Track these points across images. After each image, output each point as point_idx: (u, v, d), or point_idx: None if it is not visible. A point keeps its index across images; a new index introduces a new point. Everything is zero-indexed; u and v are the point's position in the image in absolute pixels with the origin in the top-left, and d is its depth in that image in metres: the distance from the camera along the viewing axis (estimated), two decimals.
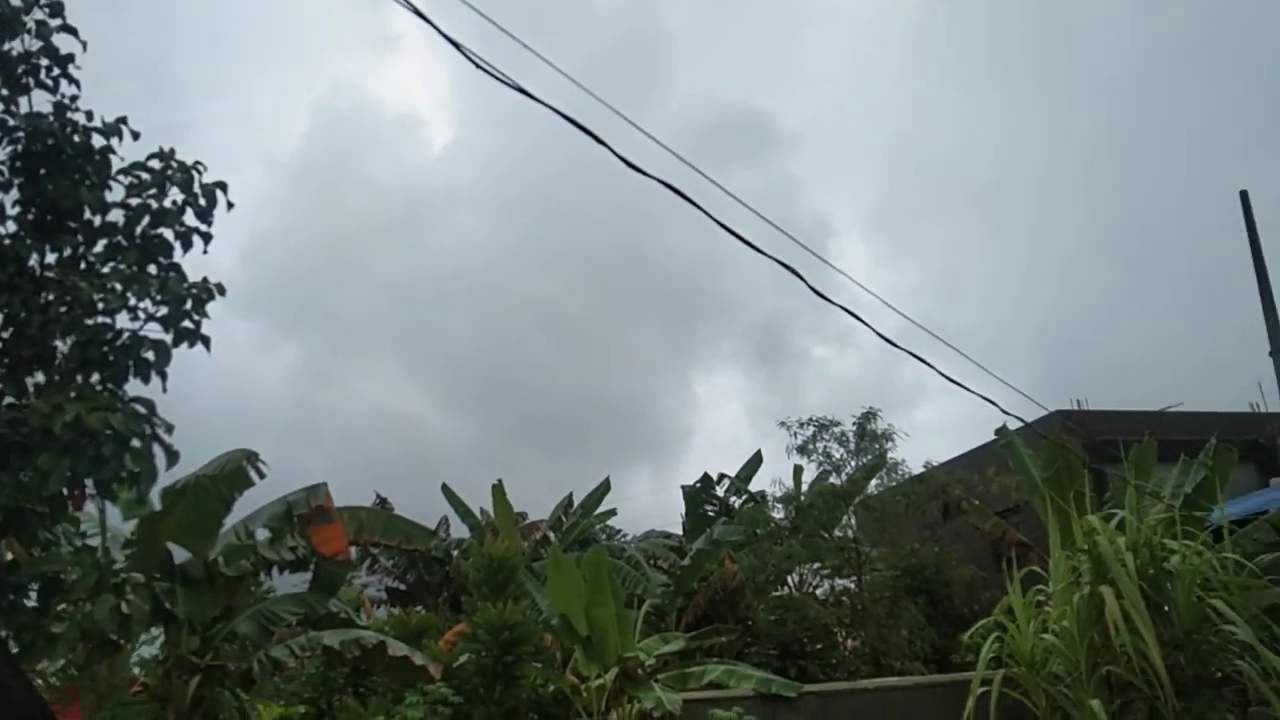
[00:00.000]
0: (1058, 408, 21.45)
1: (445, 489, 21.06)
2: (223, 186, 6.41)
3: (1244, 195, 15.71)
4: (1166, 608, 10.72)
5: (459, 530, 21.91)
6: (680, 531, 20.50)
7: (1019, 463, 15.44)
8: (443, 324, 52.21)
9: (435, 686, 11.50)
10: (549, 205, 49.53)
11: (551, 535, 21.39)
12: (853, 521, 17.81)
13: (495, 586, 13.47)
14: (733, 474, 20.29)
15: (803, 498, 17.77)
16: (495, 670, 11.64)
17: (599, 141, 5.84)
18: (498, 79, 5.63)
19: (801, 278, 6.96)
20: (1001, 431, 16.03)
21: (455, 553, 20.67)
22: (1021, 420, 11.55)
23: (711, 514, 19.46)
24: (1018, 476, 15.34)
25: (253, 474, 11.41)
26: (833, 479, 17.17)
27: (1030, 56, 53.86)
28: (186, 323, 6.17)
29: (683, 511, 20.08)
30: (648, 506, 52.80)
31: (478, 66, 5.56)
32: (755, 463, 20.58)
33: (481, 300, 51.67)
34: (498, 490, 18.30)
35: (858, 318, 7.78)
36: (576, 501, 21.90)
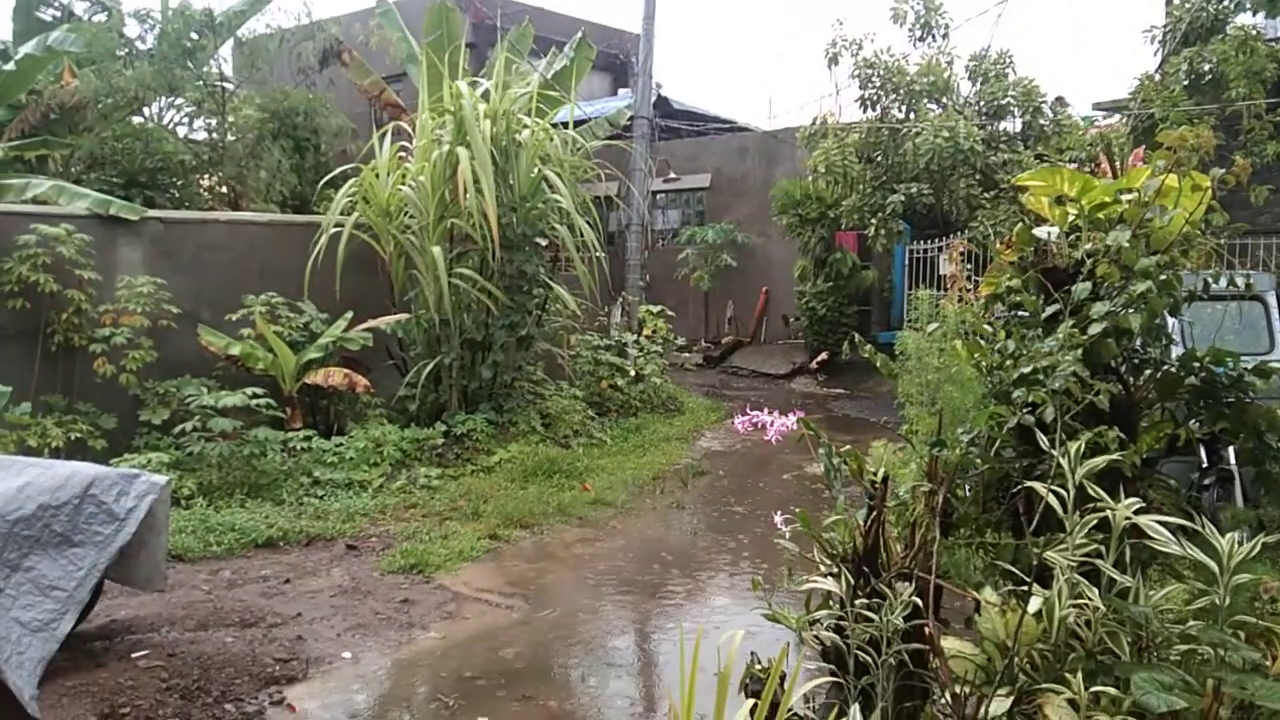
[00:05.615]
0: None
1: None
2: None
3: None
4: (510, 174, 11.92)
5: None
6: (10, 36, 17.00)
7: (397, 28, 15.44)
8: None
9: None
10: None
11: None
12: (224, 57, 16.35)
13: None
14: None
15: (167, 18, 15.66)
16: None
17: None
18: None
19: None
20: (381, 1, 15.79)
21: None
22: None
23: (51, 21, 16.34)
24: (397, 34, 15.33)
25: None
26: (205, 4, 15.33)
27: None
28: None
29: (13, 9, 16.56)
30: None
31: None
32: None
33: None
34: None
35: None
36: None
